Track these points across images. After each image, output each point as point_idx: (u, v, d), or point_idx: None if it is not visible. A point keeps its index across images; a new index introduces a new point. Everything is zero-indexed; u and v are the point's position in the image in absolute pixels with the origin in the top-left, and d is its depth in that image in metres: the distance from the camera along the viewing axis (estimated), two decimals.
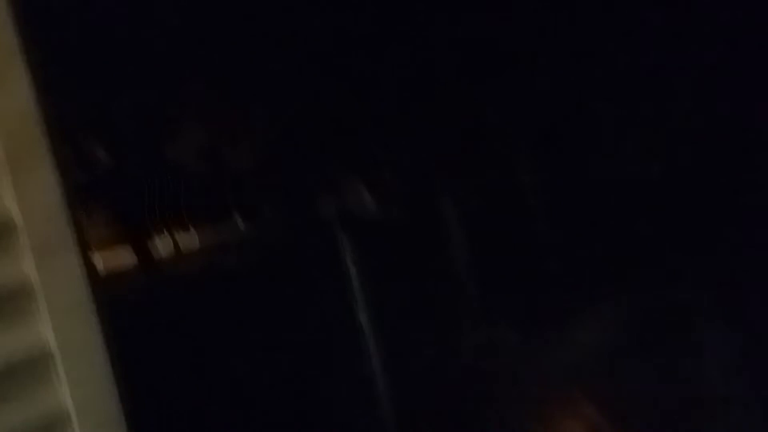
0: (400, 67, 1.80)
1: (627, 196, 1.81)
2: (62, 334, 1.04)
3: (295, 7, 1.66)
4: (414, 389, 1.83)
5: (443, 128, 1.87)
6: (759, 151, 1.73)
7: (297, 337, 1.72)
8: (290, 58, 1.67)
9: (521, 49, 1.81)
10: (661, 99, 1.79)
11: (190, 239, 1.31)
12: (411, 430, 1.82)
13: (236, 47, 1.58)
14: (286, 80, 1.67)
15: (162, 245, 1.27)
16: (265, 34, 1.63)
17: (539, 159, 1.91)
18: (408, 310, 1.87)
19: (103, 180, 1.30)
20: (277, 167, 1.60)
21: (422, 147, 1.87)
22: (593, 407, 1.70)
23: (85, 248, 1.15)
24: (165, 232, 1.28)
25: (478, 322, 1.90)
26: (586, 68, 1.79)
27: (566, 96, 1.82)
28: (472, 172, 1.91)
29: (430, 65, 1.81)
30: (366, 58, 1.75)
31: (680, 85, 1.77)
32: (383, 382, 1.83)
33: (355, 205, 1.80)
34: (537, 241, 1.91)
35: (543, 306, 1.83)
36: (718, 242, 1.75)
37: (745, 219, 1.70)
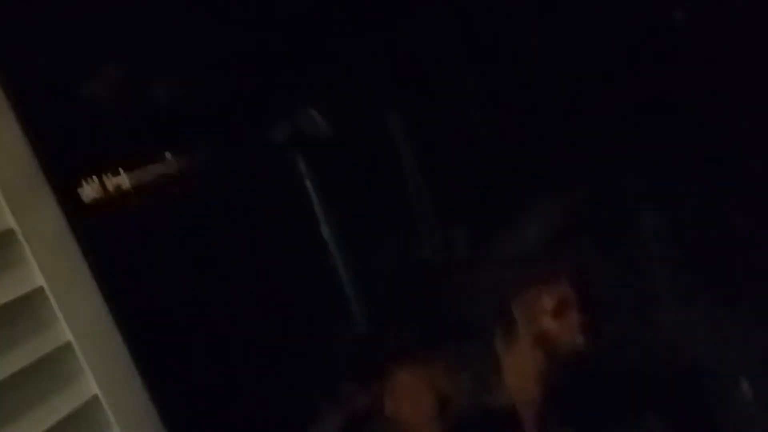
0: None
1: (562, 93, 1.90)
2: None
3: None
4: (379, 290, 1.98)
5: (382, 48, 1.96)
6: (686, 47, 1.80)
7: (263, 256, 1.84)
8: None
9: None
10: None
11: (121, 181, 1.31)
12: (379, 326, 1.97)
13: None
14: (216, 10, 1.71)
15: (91, 190, 1.25)
16: None
17: (478, 67, 1.98)
18: (367, 221, 1.99)
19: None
20: (211, 98, 1.65)
21: (365, 66, 1.95)
22: (545, 291, 1.81)
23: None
24: (93, 176, 1.27)
25: (433, 225, 2.00)
26: None
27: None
28: (416, 84, 1.99)
29: None
30: None
31: None
32: (351, 288, 1.98)
33: (304, 127, 1.88)
34: (481, 144, 1.99)
35: (491, 205, 1.94)
36: (651, 130, 1.84)
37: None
